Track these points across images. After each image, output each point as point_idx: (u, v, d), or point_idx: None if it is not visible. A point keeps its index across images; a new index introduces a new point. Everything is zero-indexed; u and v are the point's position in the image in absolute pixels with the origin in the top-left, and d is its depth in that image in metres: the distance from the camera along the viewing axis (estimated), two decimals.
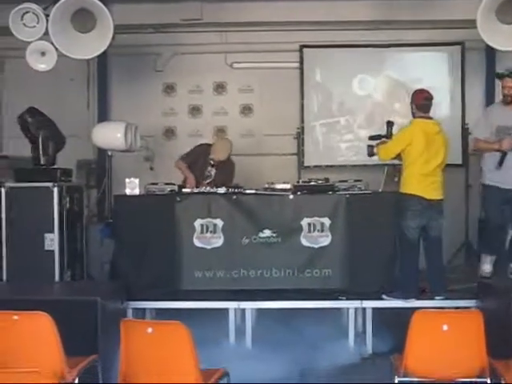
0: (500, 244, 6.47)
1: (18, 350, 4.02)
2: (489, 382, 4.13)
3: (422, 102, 6.33)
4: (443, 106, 9.35)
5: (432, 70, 9.59)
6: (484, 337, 4.15)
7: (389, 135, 6.56)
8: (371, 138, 6.82)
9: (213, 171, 7.60)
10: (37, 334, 4.10)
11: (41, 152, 6.69)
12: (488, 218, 6.36)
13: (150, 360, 3.94)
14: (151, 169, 9.52)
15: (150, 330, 3.91)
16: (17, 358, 3.82)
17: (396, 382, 4.21)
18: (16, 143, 8.41)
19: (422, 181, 6.19)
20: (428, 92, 6.43)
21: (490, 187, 6.19)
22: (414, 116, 6.38)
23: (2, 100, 8.02)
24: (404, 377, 4.21)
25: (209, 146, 7.78)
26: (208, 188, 6.94)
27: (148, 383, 3.94)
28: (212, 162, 7.57)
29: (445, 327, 4.13)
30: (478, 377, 4.19)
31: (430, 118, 6.34)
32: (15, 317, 4.11)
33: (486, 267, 6.43)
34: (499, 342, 4.65)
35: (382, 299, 6.24)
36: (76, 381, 4.07)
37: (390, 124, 6.65)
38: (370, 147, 6.61)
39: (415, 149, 6.18)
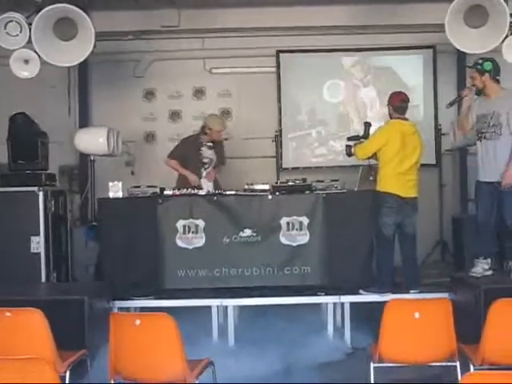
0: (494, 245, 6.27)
1: (11, 344, 4.18)
2: (458, 364, 4.36)
3: (398, 103, 6.55)
4: (417, 108, 9.60)
5: (405, 73, 9.87)
6: (453, 323, 4.37)
7: (366, 135, 6.78)
8: (349, 138, 7.03)
9: (211, 154, 7.83)
10: (29, 329, 4.25)
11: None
12: (476, 215, 6.27)
13: (138, 350, 4.10)
14: (132, 173, 9.67)
15: (137, 321, 4.08)
16: (11, 351, 3.97)
17: (371, 367, 4.43)
18: None
19: (397, 179, 6.41)
20: (405, 94, 6.65)
21: (478, 183, 6.18)
22: (390, 117, 6.60)
23: None
24: (379, 362, 4.44)
25: (195, 135, 7.97)
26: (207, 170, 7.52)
27: (136, 373, 4.13)
28: (210, 145, 7.78)
29: (416, 315, 4.35)
30: (448, 360, 4.42)
31: (406, 120, 6.56)
32: (8, 313, 4.27)
33: (478, 269, 6.11)
34: (469, 330, 4.90)
35: (359, 294, 6.45)
36: (67, 373, 4.24)
37: (367, 125, 6.88)
38: (349, 147, 6.81)
39: (391, 148, 6.39)
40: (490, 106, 6.02)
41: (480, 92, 6.11)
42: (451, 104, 6.39)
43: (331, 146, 9.89)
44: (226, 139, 8.28)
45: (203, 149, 7.83)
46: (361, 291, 6.46)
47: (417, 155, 6.50)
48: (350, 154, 6.84)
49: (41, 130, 7.29)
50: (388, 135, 6.47)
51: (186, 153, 7.82)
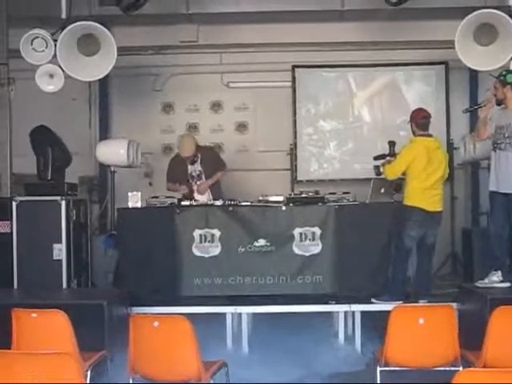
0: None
1: (37, 342, 4.42)
2: (461, 369, 4.49)
3: (421, 120, 6.66)
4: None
5: (418, 89, 10.07)
6: (456, 329, 4.55)
7: (392, 154, 6.96)
8: (376, 158, 7.20)
9: (197, 168, 8.01)
10: (53, 329, 4.49)
11: (48, 167, 7.09)
12: (490, 226, 6.42)
13: (156, 351, 4.31)
14: (150, 184, 9.89)
15: (156, 323, 4.30)
16: (36, 349, 4.19)
17: (378, 371, 4.62)
18: (19, 161, 8.79)
19: (423, 194, 6.56)
20: (426, 111, 6.77)
21: (492, 193, 6.27)
22: (414, 134, 6.72)
23: (12, 119, 8.36)
24: (385, 366, 4.63)
25: (178, 154, 8.17)
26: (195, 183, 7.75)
27: (154, 372, 4.34)
28: (190, 161, 7.96)
29: (421, 320, 4.54)
30: (452, 365, 4.59)
31: (430, 135, 6.69)
32: (33, 315, 4.51)
33: (485, 281, 6.22)
34: (476, 338, 5.01)
35: (370, 303, 6.59)
36: (89, 371, 4.46)
37: (391, 143, 7.07)
38: (377, 167, 6.98)
39: (418, 165, 6.53)
40: (507, 117, 6.13)
41: (500, 103, 6.22)
42: (468, 110, 6.49)
43: (345, 159, 10.10)
44: (210, 148, 8.43)
45: (188, 165, 8.03)
46: (373, 300, 6.59)
47: (442, 170, 6.65)
48: (378, 174, 6.99)
49: (56, 141, 7.48)
50: (414, 153, 6.59)
51: (175, 172, 8.08)
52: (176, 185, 8.00)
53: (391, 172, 6.77)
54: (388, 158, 6.97)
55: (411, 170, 6.60)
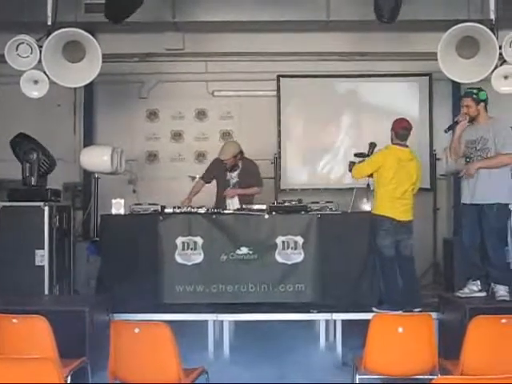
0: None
1: (17, 348, 4.41)
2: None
3: (400, 131, 6.75)
4: (412, 133, 9.78)
5: (402, 100, 10.12)
6: (435, 338, 4.61)
7: (370, 155, 7.00)
8: (356, 155, 7.21)
9: (234, 176, 7.99)
10: (34, 335, 4.49)
11: (34, 173, 7.08)
12: (462, 238, 6.53)
13: (136, 356, 4.34)
14: (134, 191, 9.89)
15: (136, 330, 4.32)
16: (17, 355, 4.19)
17: (357, 378, 4.66)
18: (2, 166, 8.79)
19: (392, 203, 6.63)
20: (407, 122, 6.84)
21: (464, 206, 6.42)
22: (392, 142, 6.80)
23: None
24: (364, 374, 4.67)
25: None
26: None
27: (134, 377, 4.35)
28: (226, 167, 7.94)
29: (400, 329, 4.59)
30: (431, 373, 4.63)
31: (406, 146, 6.76)
32: (14, 320, 4.51)
33: (465, 290, 6.30)
34: (455, 347, 5.07)
35: (351, 311, 6.62)
36: (69, 377, 4.46)
37: (372, 145, 7.09)
38: (352, 163, 7.02)
39: (386, 172, 6.61)
40: (478, 131, 6.28)
41: (472, 119, 6.35)
42: (450, 128, 6.60)
43: (329, 168, 10.14)
44: (255, 163, 8.24)
45: (227, 171, 8.01)
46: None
47: (412, 181, 6.70)
48: (351, 170, 7.02)
49: (39, 146, 7.46)
50: (384, 159, 6.67)
51: (214, 173, 8.07)
52: (191, 194, 7.97)
53: (357, 172, 6.85)
54: (366, 158, 7.00)
55: (378, 177, 6.67)
